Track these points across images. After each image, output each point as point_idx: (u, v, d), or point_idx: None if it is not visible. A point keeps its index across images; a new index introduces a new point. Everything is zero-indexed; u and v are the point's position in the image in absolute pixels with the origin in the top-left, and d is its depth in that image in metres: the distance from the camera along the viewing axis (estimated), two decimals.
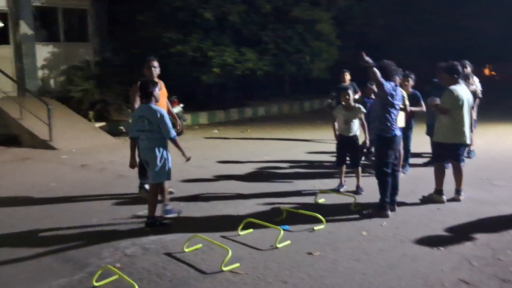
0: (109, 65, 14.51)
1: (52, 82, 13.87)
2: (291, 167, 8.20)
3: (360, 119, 6.44)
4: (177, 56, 13.70)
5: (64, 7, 14.21)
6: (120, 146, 10.62)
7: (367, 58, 5.11)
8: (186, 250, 4.43)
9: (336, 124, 6.62)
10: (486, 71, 30.83)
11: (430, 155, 7.79)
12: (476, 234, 4.77)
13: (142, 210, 5.72)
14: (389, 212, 5.39)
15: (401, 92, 5.51)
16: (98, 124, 12.31)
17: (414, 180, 7.02)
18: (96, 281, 3.77)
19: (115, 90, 13.15)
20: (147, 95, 5.10)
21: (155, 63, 6.01)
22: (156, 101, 5.22)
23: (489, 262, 4.11)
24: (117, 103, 13.21)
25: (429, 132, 7.49)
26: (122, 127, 12.74)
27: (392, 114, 5.34)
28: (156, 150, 5.10)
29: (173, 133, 5.12)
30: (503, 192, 6.34)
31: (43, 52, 13.68)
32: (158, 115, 5.06)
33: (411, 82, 7.35)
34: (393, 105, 5.32)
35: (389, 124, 5.32)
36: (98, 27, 15.07)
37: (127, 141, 11.30)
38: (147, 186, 6.24)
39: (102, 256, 4.36)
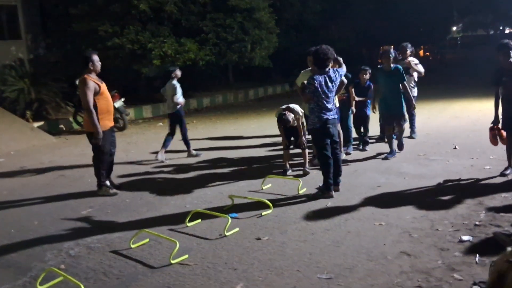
0: (44, 62, 13.96)
1: None
2: (237, 155, 8.22)
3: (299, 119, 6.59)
4: (115, 49, 13.36)
5: None
6: (60, 145, 10.30)
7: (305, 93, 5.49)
8: (132, 246, 4.36)
9: None
10: (421, 53, 32.13)
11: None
12: (415, 207, 4.97)
13: (86, 209, 5.60)
14: (333, 193, 5.52)
15: (335, 73, 5.55)
16: (36, 124, 11.85)
17: (357, 160, 7.23)
18: (40, 285, 3.65)
19: (52, 88, 12.69)
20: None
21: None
22: None
23: (428, 233, 4.30)
24: (55, 101, 12.77)
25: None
26: (62, 126, 12.34)
27: (324, 103, 5.42)
28: None
29: None
30: (438, 166, 6.64)
31: None
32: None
33: (367, 76, 7.90)
34: (324, 93, 5.40)
35: (319, 114, 5.43)
36: (30, 23, 14.43)
37: (67, 139, 11.03)
38: (106, 184, 6.13)
39: (45, 259, 4.22)
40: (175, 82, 7.98)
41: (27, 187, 6.88)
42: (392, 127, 7.30)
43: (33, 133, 11.01)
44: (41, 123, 12.08)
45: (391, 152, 7.22)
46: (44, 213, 5.56)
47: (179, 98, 7.96)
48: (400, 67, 7.26)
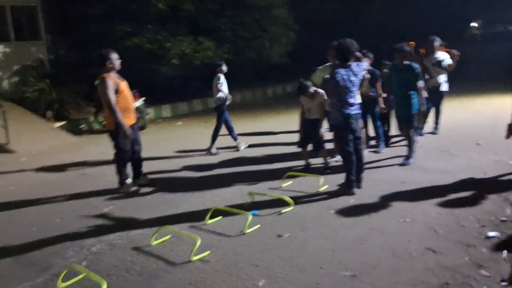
0: (64, 62, 14.12)
1: (5, 83, 13.38)
2: (256, 153, 8.18)
3: (321, 104, 6.43)
4: (133, 49, 13.44)
5: (12, 4, 13.68)
6: (81, 145, 10.39)
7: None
8: (154, 242, 4.36)
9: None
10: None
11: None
12: (440, 203, 4.88)
13: (108, 207, 5.63)
14: (356, 189, 5.45)
15: (357, 67, 5.45)
16: (57, 124, 11.98)
17: (379, 156, 7.12)
18: (62, 281, 3.66)
19: (73, 88, 12.83)
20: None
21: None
22: None
23: (454, 229, 4.21)
24: (75, 101, 12.92)
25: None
26: (84, 125, 12.45)
27: (346, 97, 5.32)
28: None
29: None
30: (461, 161, 6.51)
31: None
32: None
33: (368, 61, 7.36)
34: (347, 88, 5.31)
35: (341, 110, 5.35)
36: (50, 24, 14.60)
37: (88, 139, 11.12)
38: (127, 181, 6.17)
39: (67, 256, 4.24)
40: (219, 75, 8.15)
41: (48, 185, 6.94)
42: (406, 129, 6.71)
43: (54, 133, 11.15)
44: (62, 123, 12.21)
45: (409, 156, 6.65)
46: (66, 211, 5.60)
47: (221, 92, 8.13)
48: (413, 64, 6.57)
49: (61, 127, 11.92)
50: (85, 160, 8.52)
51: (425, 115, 8.20)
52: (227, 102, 8.31)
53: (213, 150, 8.30)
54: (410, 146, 6.58)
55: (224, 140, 8.73)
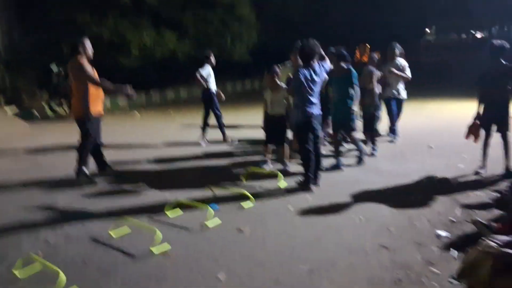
0: (19, 49, 13.64)
1: None
2: (217, 147, 8.20)
3: (286, 99, 6.49)
4: (93, 38, 13.14)
5: None
6: (34, 133, 10.08)
7: None
8: (113, 235, 4.31)
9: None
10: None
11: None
12: (393, 204, 5.05)
13: (64, 197, 5.50)
14: (314, 187, 5.57)
15: (319, 67, 5.57)
16: (9, 111, 11.56)
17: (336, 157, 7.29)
18: (17, 271, 3.57)
19: (27, 75, 12.42)
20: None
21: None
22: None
23: (406, 229, 4.38)
24: (29, 89, 12.52)
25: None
26: (36, 113, 12.07)
27: (308, 97, 5.45)
28: None
29: None
30: (415, 164, 6.76)
31: None
32: None
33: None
34: (310, 88, 5.44)
35: (304, 109, 5.47)
36: (4, 9, 14.02)
37: (41, 126, 10.80)
38: (85, 171, 6.04)
39: (22, 247, 4.13)
40: (204, 66, 8.39)
41: (1, 174, 6.70)
42: (340, 134, 6.80)
43: (7, 120, 10.77)
44: (15, 110, 11.80)
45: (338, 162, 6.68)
46: (19, 201, 5.44)
47: (207, 82, 8.42)
48: (352, 69, 6.43)
49: (14, 114, 11.51)
50: (38, 148, 8.28)
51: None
52: (212, 92, 8.56)
53: (231, 139, 8.64)
54: (357, 147, 6.79)
55: (189, 135, 8.68)
